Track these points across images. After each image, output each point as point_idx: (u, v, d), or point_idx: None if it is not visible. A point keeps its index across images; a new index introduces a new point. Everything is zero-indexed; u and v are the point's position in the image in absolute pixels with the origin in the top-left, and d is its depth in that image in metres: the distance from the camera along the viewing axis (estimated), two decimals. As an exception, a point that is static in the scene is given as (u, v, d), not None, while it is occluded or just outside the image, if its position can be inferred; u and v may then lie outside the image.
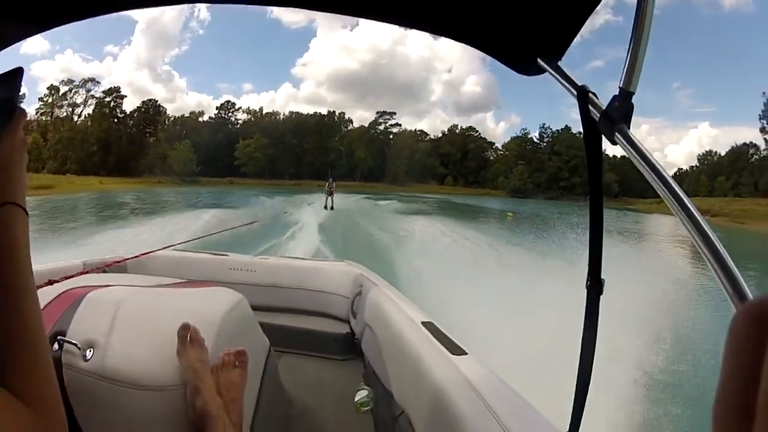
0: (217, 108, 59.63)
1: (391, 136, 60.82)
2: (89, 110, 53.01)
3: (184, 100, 75.76)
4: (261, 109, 61.36)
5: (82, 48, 74.22)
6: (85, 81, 53.77)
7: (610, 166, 53.39)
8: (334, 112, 63.10)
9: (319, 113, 62.25)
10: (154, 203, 22.59)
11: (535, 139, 58.29)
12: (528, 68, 0.87)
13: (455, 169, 58.50)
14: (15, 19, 0.76)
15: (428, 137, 61.89)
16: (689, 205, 0.54)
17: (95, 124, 51.41)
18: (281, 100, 79.99)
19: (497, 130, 77.86)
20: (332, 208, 19.42)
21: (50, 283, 1.16)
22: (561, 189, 48.85)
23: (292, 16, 77.84)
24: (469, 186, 55.84)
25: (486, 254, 8.51)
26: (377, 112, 63.30)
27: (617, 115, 0.66)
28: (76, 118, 52.02)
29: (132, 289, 1.26)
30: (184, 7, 73.31)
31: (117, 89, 55.29)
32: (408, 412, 1.35)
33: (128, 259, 2.18)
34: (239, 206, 20.19)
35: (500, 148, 60.10)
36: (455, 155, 58.62)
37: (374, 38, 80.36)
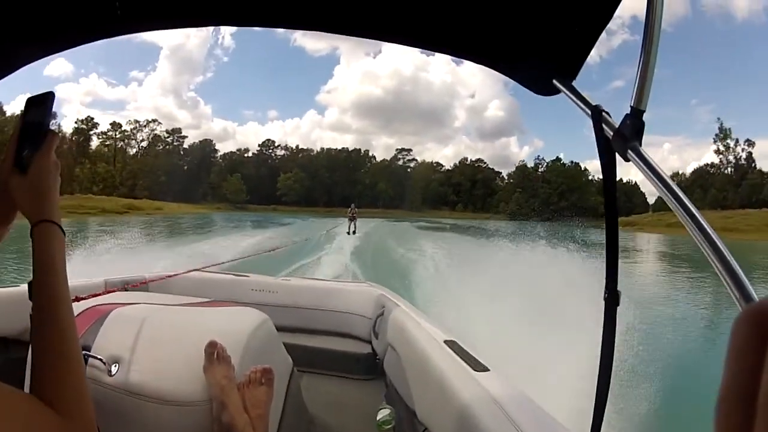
0: (259, 146, 66.14)
1: (408, 170, 66.51)
2: (144, 144, 59.78)
3: (209, 126, 73.78)
4: (297, 146, 67.59)
5: (107, 72, 73.61)
6: (149, 121, 61.01)
7: (597, 189, 60.66)
8: (359, 149, 68.66)
9: (347, 149, 67.86)
10: (238, 221, 31.74)
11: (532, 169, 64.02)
12: (544, 88, 0.90)
13: (465, 197, 63.30)
14: (24, 40, 0.77)
15: (443, 168, 67.33)
16: (699, 218, 0.55)
17: (161, 158, 58.29)
18: (306, 127, 77.69)
19: (521, 154, 76.82)
20: (354, 232, 18.81)
21: (76, 299, 1.14)
22: (551, 212, 53.04)
23: (315, 44, 75.14)
24: (477, 212, 60.06)
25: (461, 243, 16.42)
26: (396, 149, 68.92)
27: (629, 133, 0.66)
28: (131, 150, 58.73)
29: (157, 307, 1.29)
30: (208, 35, 70.84)
31: (179, 130, 62.68)
32: (431, 430, 1.34)
33: (150, 279, 2.18)
34: (285, 226, 26.98)
35: (505, 177, 65.31)
36: (465, 184, 63.57)
37: (397, 65, 78.76)
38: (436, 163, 68.93)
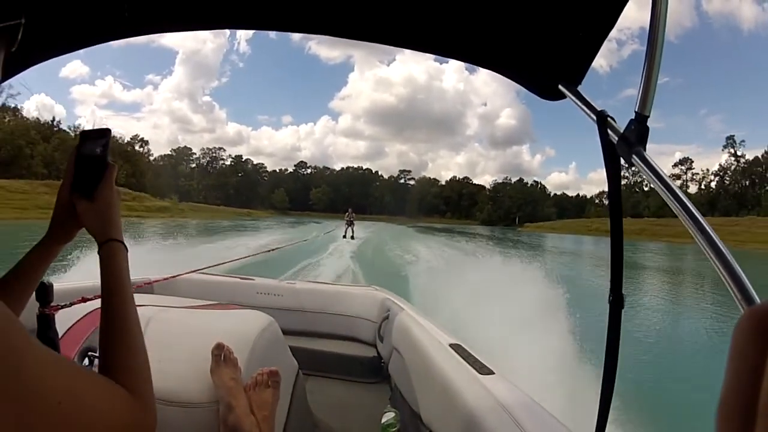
0: (294, 166, 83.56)
1: (409, 186, 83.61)
2: (204, 164, 75.56)
3: (224, 130, 78.50)
4: (323, 167, 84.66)
5: (123, 75, 76.40)
6: (217, 149, 78.93)
7: (553, 202, 76.01)
8: (371, 169, 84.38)
9: (362, 167, 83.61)
10: (285, 223, 45.66)
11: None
12: (549, 93, 0.91)
13: (453, 207, 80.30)
14: (33, 41, 0.75)
15: (439, 183, 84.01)
16: (702, 222, 0.55)
17: (229, 176, 75.61)
18: (320, 133, 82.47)
19: (533, 163, 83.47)
20: (352, 237, 17.72)
21: (83, 300, 1.16)
22: (510, 219, 73.11)
23: (329, 52, 78.96)
24: (460, 219, 76.77)
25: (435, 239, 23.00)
26: (399, 170, 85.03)
27: (634, 138, 0.66)
28: (192, 166, 74.88)
29: (163, 309, 1.28)
30: (224, 41, 73.72)
31: (240, 157, 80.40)
32: None
33: (155, 281, 2.18)
34: (308, 225, 34.37)
35: (486, 191, 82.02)
36: (453, 197, 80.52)
37: (411, 73, 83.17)
38: (433, 179, 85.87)
